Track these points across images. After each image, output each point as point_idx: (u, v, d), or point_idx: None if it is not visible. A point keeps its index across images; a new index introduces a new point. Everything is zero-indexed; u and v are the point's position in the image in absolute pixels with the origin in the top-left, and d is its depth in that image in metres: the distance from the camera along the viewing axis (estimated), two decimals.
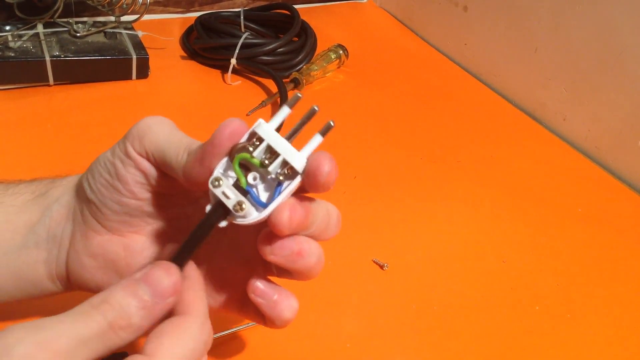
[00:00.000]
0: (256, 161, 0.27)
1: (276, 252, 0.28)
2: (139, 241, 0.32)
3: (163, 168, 0.29)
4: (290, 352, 0.40)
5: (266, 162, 0.27)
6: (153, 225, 0.32)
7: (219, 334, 0.39)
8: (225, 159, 0.27)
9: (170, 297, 0.25)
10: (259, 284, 0.30)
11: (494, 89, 0.78)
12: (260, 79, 0.72)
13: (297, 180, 0.27)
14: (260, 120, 0.27)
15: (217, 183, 0.27)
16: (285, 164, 0.27)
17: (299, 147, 0.27)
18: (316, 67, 0.72)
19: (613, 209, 0.59)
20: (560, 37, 0.68)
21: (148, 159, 0.30)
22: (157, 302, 0.24)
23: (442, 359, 0.42)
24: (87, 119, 0.60)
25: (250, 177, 0.27)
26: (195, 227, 0.27)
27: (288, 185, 0.27)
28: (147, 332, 0.25)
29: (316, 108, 0.27)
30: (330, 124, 0.27)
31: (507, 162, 0.64)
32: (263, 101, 0.66)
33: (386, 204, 0.55)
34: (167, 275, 0.25)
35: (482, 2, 0.78)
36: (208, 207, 0.27)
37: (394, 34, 0.91)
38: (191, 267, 0.28)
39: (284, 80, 0.69)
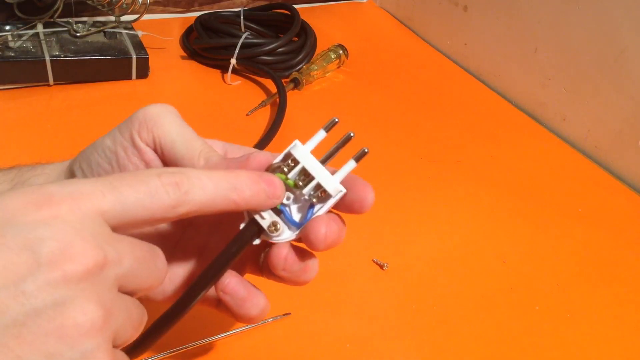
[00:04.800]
0: (291, 182, 0.28)
1: (287, 268, 0.28)
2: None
3: (169, 162, 0.29)
4: (290, 352, 0.40)
5: (300, 183, 0.28)
6: None
7: (217, 337, 0.39)
8: None
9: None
10: (229, 282, 0.29)
11: (494, 89, 0.78)
12: (260, 79, 0.72)
13: (330, 203, 0.28)
14: (296, 142, 0.28)
15: None
16: (318, 187, 0.28)
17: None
18: (316, 67, 0.72)
19: (613, 209, 0.59)
20: (560, 37, 0.68)
21: (155, 150, 0.29)
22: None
23: (442, 359, 0.42)
24: (87, 119, 0.60)
25: (284, 197, 0.28)
26: (228, 243, 0.28)
27: (320, 207, 0.28)
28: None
29: (352, 134, 0.28)
30: (364, 150, 0.28)
31: (507, 162, 0.64)
32: (263, 101, 0.66)
33: (386, 203, 0.55)
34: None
35: (482, 2, 0.78)
36: (242, 225, 0.28)
37: (394, 34, 0.91)
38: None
39: (283, 80, 0.69)
